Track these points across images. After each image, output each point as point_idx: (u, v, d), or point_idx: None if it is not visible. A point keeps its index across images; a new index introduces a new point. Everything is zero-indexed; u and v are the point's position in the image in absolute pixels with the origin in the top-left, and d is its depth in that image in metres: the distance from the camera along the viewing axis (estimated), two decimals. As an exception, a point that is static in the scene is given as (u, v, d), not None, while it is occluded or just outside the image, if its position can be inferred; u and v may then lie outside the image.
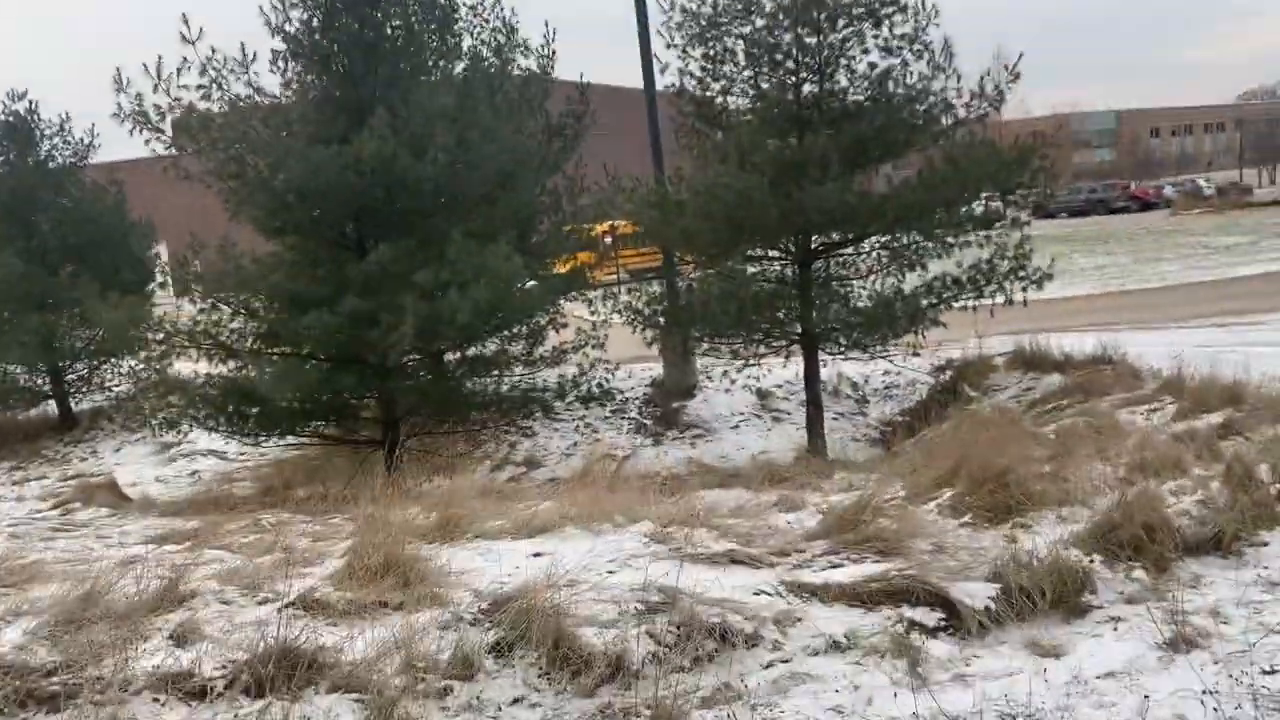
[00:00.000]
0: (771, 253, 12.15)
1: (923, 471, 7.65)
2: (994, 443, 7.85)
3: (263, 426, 11.40)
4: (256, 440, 11.73)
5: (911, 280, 11.70)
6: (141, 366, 16.66)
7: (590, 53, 16.93)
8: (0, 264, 18.39)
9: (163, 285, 20.24)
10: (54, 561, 7.13)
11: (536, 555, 5.93)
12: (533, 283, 17.03)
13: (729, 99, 11.69)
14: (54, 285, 19.18)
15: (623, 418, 16.87)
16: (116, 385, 20.21)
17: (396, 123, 10.31)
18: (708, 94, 11.70)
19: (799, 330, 11.91)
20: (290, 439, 12.03)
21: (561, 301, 16.53)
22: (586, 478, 10.15)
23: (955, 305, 11.66)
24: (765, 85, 11.58)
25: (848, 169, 11.22)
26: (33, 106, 20.06)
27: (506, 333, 17.42)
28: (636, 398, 17.37)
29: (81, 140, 20.42)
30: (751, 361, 12.25)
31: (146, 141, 11.27)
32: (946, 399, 14.42)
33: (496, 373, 17.71)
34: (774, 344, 12.08)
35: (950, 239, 11.48)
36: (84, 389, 20.87)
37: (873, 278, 11.89)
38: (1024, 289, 11.51)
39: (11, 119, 20.08)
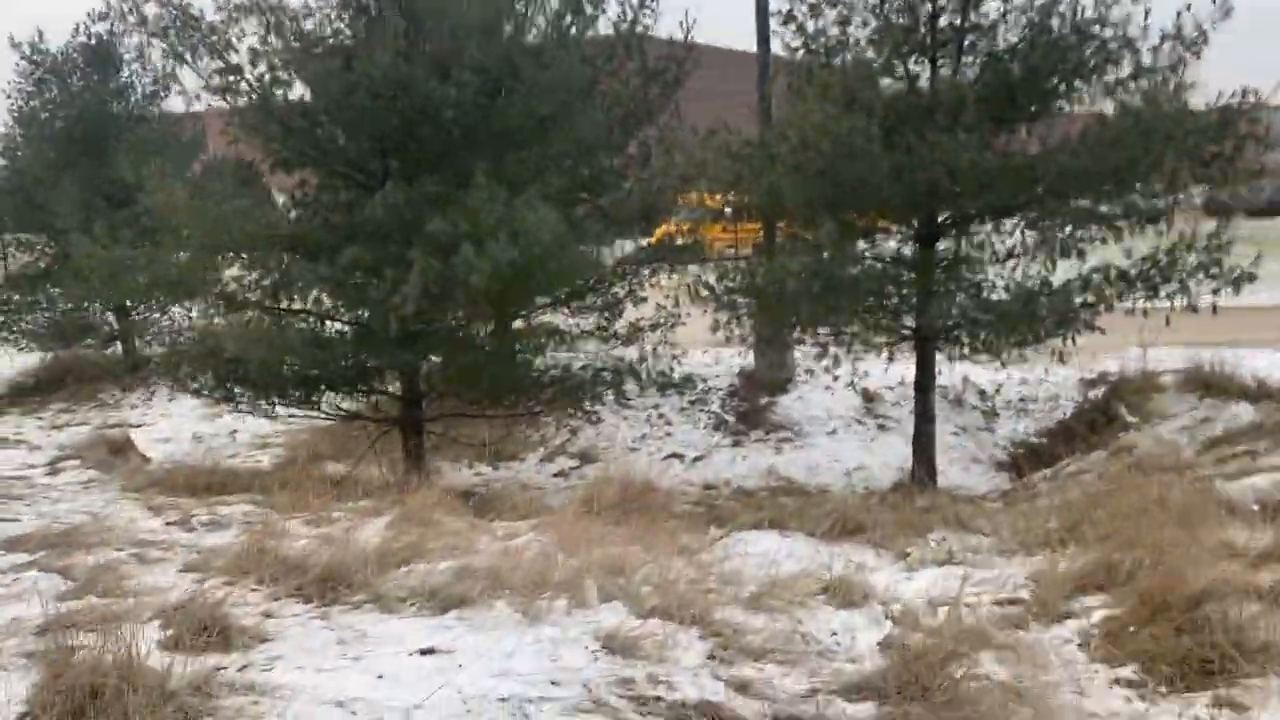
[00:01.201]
0: (885, 226, 9.65)
1: (1059, 548, 5.22)
2: (1165, 510, 5.37)
3: (258, 394, 9.63)
4: (259, 410, 9.99)
5: (1064, 270, 9.04)
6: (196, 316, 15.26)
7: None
8: (62, 190, 17.34)
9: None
10: None
11: (426, 653, 3.85)
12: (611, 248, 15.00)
13: (847, 30, 9.21)
14: (120, 219, 18.03)
15: (702, 410, 14.63)
16: (177, 333, 19.07)
17: (414, 33, 8.29)
18: (820, 24, 9.26)
19: (913, 325, 9.42)
20: (299, 411, 10.23)
21: (646, 273, 14.42)
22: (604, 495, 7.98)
23: (1119, 306, 8.98)
24: (892, 15, 9.05)
25: (988, 121, 8.65)
26: (114, 29, 18.89)
27: (578, 303, 15.53)
28: (720, 389, 15.09)
29: (161, 68, 19.17)
30: (845, 358, 9.83)
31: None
32: (1096, 422, 11.67)
33: (555, 347, 15.88)
34: (877, 340, 9.62)
35: (1120, 220, 8.78)
36: (151, 332, 19.80)
37: (1013, 264, 9.27)
38: (1215, 291, 8.73)
39: (92, 41, 19.01)
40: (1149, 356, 11.75)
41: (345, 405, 11.05)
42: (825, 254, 8.33)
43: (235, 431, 14.71)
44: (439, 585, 4.44)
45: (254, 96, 8.74)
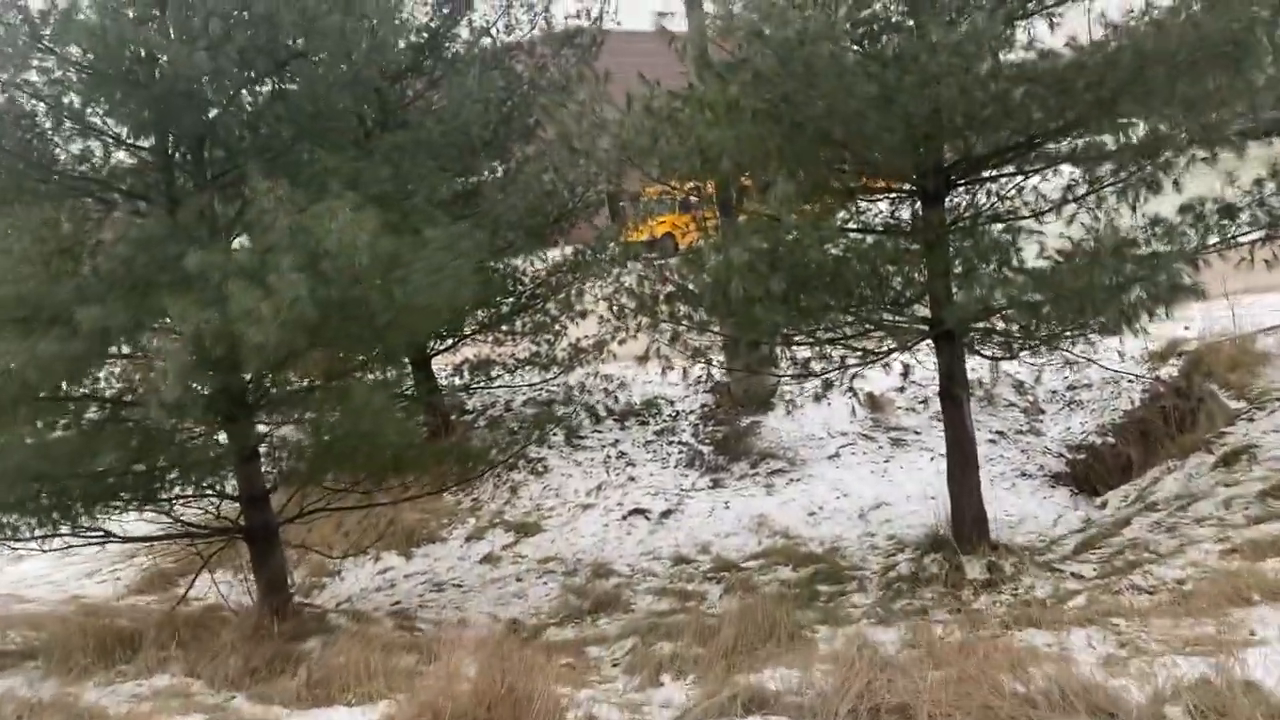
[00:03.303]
0: (870, 183, 6.74)
1: None
2: None
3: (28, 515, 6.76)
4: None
5: (1128, 219, 6.18)
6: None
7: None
8: None
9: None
10: None
11: None
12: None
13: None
14: None
15: (671, 441, 11.77)
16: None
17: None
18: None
19: (928, 317, 6.55)
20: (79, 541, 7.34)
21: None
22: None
23: (1227, 251, 6.12)
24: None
25: (1001, 8, 5.78)
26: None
27: (506, 327, 12.67)
28: (692, 411, 12.24)
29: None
30: (839, 378, 6.98)
31: None
32: (1179, 411, 8.82)
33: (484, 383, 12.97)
34: (878, 336, 6.76)
35: (1216, 134, 5.91)
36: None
37: (1061, 215, 6.40)
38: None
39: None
40: (1238, 315, 8.91)
41: (180, 514, 8.15)
42: (787, 233, 5.42)
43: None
44: None
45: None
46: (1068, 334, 5.89)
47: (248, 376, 7.32)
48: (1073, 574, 6.03)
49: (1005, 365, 10.08)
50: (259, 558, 7.68)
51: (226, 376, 6.58)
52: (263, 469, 7.65)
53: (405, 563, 9.76)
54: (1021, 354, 6.18)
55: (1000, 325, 6.09)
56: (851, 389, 7.48)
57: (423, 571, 9.47)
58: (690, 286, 6.20)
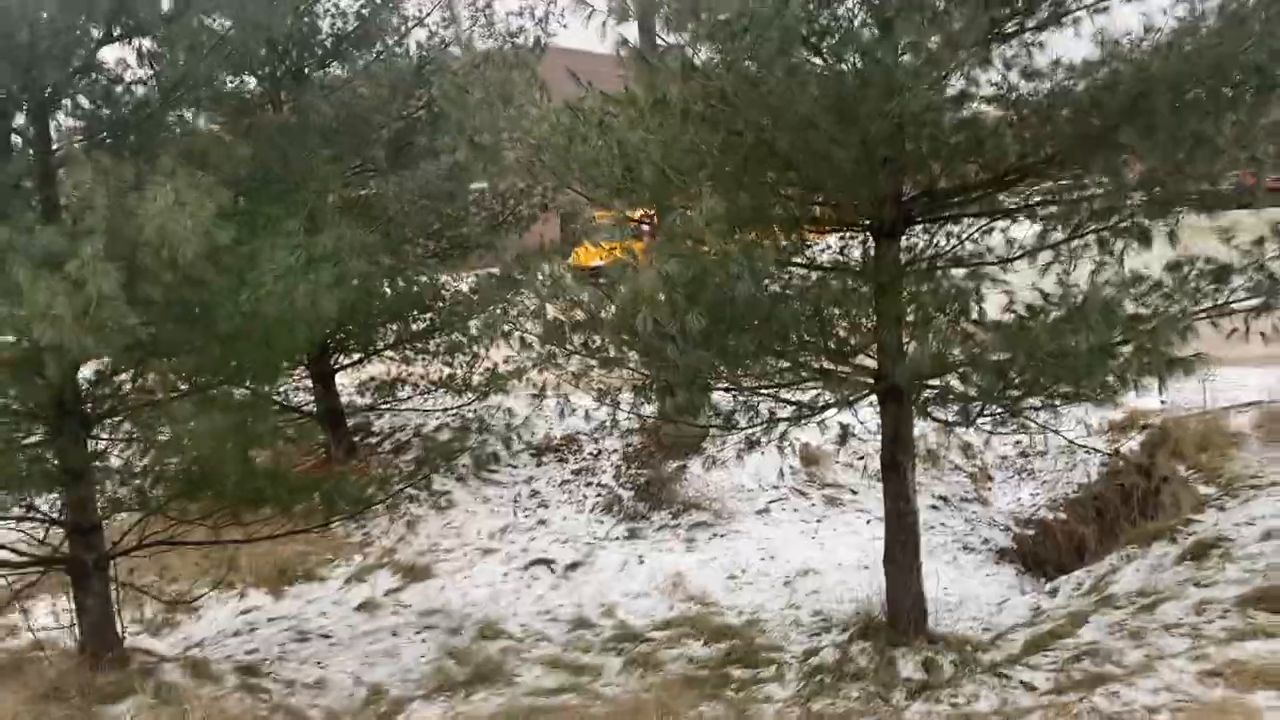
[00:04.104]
0: (821, 211, 5.84)
1: None
2: None
3: None
4: None
5: (1112, 274, 5.34)
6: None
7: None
8: None
9: None
10: None
11: None
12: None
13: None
14: None
15: (589, 483, 10.77)
16: None
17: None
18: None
19: (873, 368, 5.66)
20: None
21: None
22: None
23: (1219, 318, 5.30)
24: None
25: (982, 19, 4.93)
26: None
27: (414, 347, 11.61)
28: (615, 450, 11.26)
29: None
30: (765, 435, 6.06)
31: None
32: (1140, 490, 8.04)
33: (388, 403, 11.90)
34: (814, 388, 5.84)
35: (1219, 182, 5.12)
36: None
37: (1036, 262, 5.55)
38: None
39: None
40: (1209, 390, 8.17)
41: None
42: (717, 261, 4.47)
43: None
44: None
45: None
46: (1035, 401, 5.02)
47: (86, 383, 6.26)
48: (1023, 682, 5.14)
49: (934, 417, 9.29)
50: (82, 595, 6.55)
51: (51, 383, 5.49)
52: (96, 492, 6.53)
53: (274, 602, 8.62)
54: (979, 420, 5.29)
55: (958, 385, 5.20)
56: (780, 446, 6.54)
57: (291, 615, 8.34)
58: (604, 315, 5.24)
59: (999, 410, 5.13)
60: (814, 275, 5.59)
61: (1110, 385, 4.57)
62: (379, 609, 8.29)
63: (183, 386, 6.07)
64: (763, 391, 5.63)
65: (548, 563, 8.94)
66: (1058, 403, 5.06)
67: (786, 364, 5.24)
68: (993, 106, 5.06)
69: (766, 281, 5.21)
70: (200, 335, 5.03)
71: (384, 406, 12.06)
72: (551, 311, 6.28)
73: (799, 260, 5.43)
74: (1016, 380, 4.76)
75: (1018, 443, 9.33)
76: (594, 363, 5.97)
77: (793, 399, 5.70)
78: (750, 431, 5.91)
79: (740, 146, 4.93)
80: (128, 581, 7.09)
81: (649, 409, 6.38)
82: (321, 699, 6.53)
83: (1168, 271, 5.30)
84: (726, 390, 5.61)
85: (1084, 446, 7.97)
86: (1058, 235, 5.35)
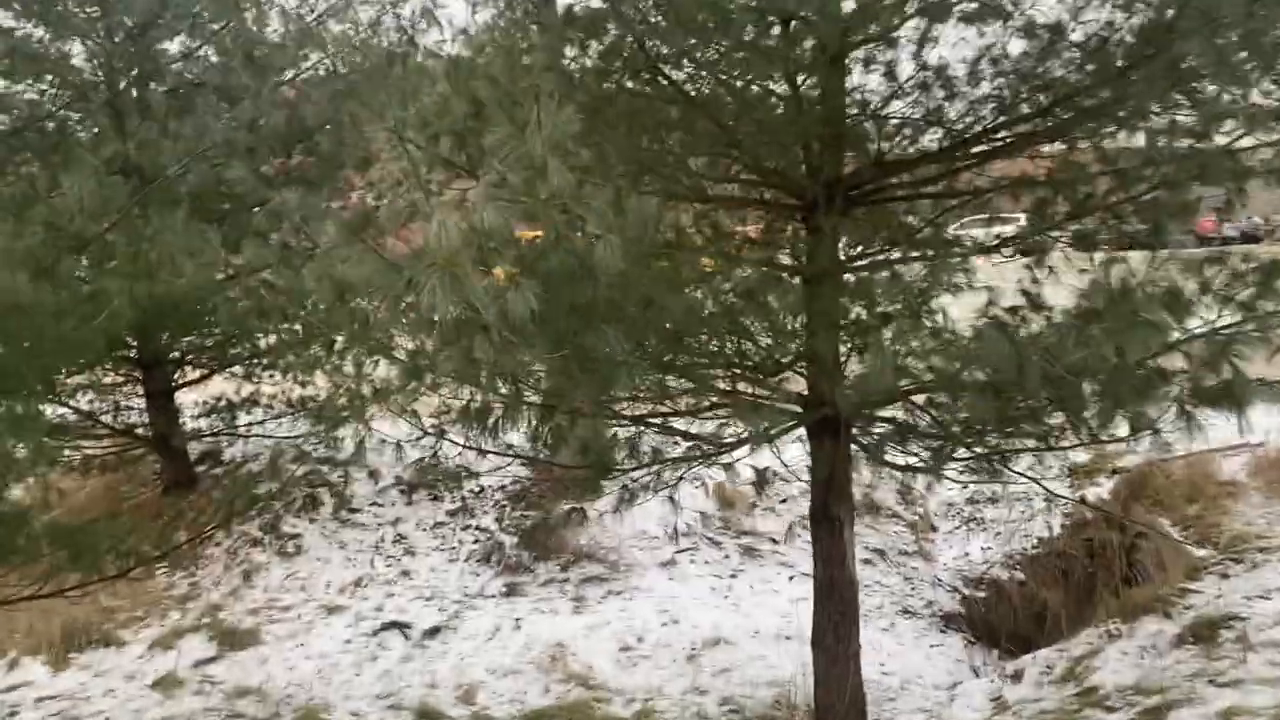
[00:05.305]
0: (733, 174, 4.40)
1: None
2: None
3: None
4: None
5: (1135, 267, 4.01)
6: None
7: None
8: None
9: None
10: None
11: None
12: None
13: None
14: None
15: (466, 527, 9.16)
16: None
17: None
18: None
19: (804, 396, 4.22)
20: None
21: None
22: None
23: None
24: None
25: None
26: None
27: (261, 363, 9.90)
28: (500, 487, 9.67)
29: None
30: (655, 482, 4.60)
31: None
32: (1111, 549, 6.73)
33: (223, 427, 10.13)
34: (722, 417, 4.38)
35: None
36: None
37: (1022, 257, 4.19)
38: None
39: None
40: (1195, 434, 6.88)
41: None
42: (556, 214, 2.96)
43: None
44: None
45: None
46: (1030, 439, 3.60)
47: None
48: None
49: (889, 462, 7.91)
50: None
51: None
52: None
53: (51, 676, 6.82)
54: (949, 465, 3.86)
55: (923, 416, 3.78)
56: (672, 500, 5.07)
57: (68, 694, 6.55)
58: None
59: (982, 452, 3.70)
60: (723, 261, 4.12)
61: (1147, 417, 3.19)
62: (179, 687, 6.55)
63: None
64: (651, 420, 4.13)
65: (402, 627, 7.29)
66: (1070, 441, 3.66)
67: (683, 381, 3.75)
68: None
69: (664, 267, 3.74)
70: None
71: (230, 432, 10.28)
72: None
73: (697, 231, 3.96)
74: (1012, 409, 3.34)
75: (964, 486, 7.99)
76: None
77: (690, 434, 4.21)
78: (628, 482, 4.42)
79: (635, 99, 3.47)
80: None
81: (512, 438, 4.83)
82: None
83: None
84: (593, 417, 4.08)
85: (1061, 496, 6.63)
86: (1061, 211, 3.95)
